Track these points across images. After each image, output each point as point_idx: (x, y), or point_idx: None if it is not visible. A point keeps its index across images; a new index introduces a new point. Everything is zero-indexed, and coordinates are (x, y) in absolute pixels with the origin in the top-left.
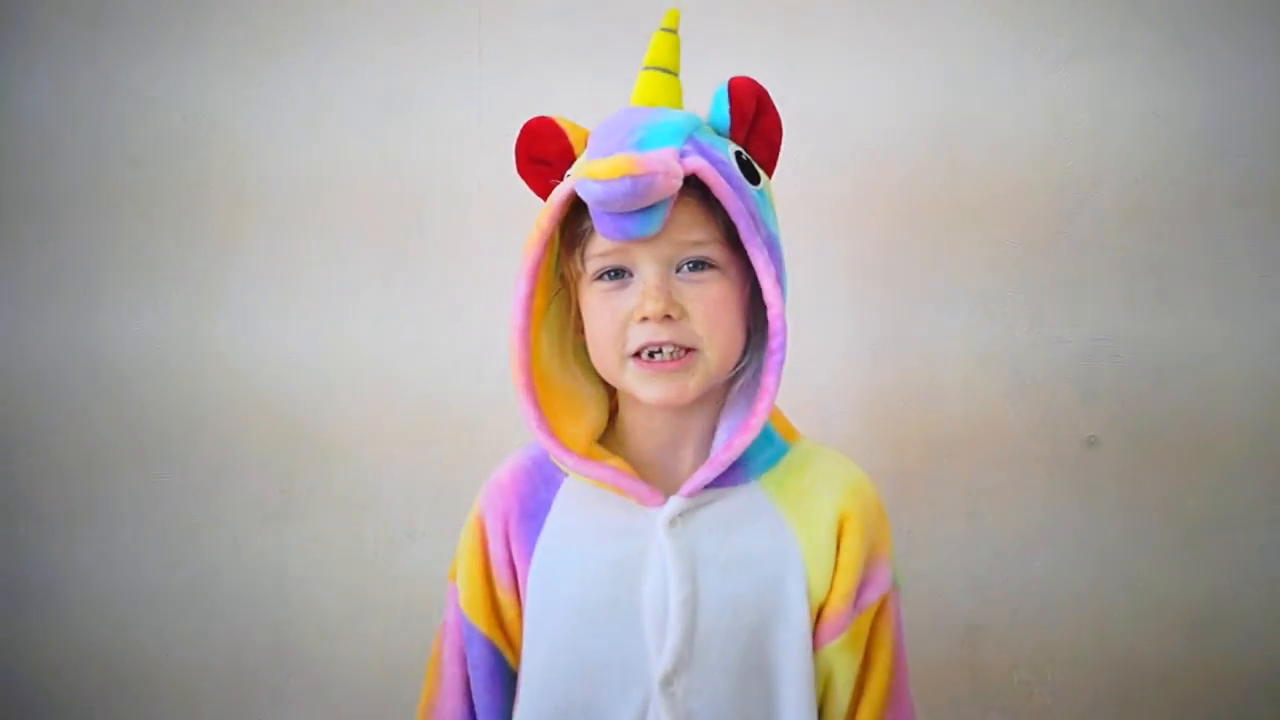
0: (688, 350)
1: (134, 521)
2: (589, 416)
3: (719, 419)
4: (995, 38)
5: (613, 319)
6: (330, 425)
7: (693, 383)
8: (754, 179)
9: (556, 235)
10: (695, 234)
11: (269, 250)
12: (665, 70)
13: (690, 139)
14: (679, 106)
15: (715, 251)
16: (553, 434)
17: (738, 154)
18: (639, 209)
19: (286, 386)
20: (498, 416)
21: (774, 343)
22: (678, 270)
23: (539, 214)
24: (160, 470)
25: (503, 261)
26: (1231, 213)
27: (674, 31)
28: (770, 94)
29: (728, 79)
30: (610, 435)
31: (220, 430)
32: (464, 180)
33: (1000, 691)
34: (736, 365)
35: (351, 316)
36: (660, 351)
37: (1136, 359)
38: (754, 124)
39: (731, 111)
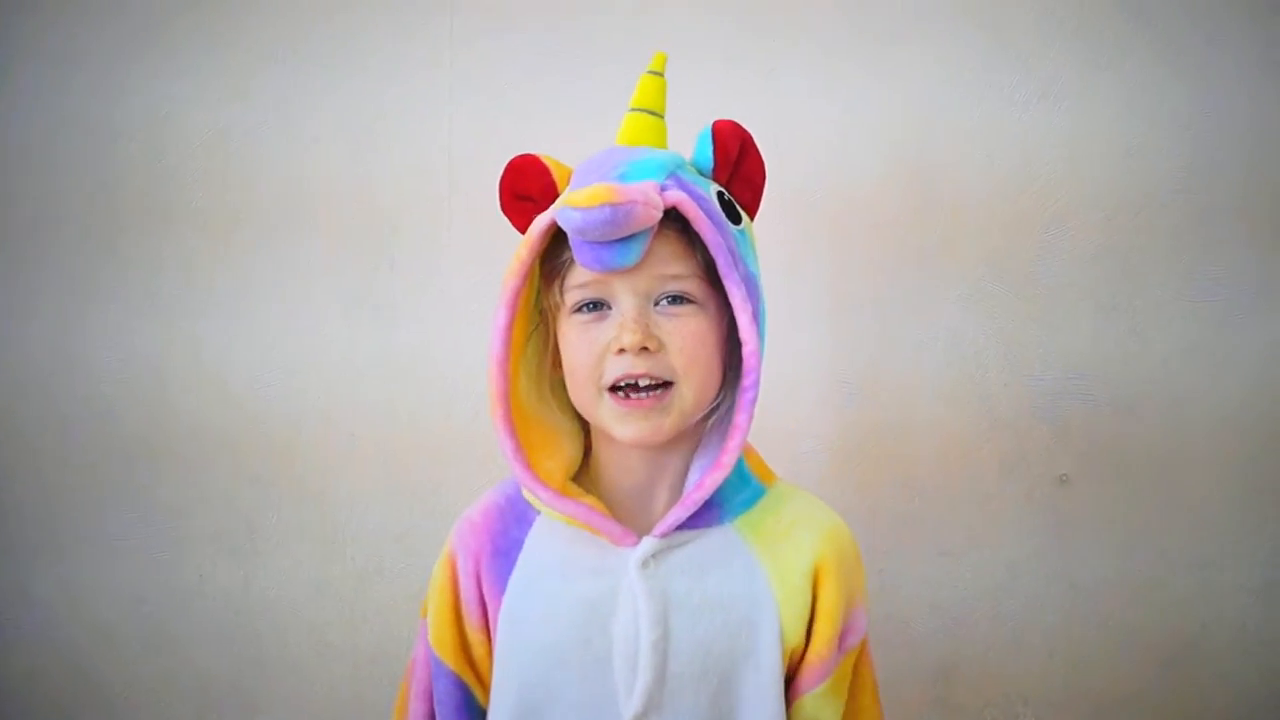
0: (665, 385)
1: (96, 557)
2: (565, 452)
3: (693, 458)
4: (966, 77)
5: (589, 351)
6: (297, 461)
7: (668, 422)
8: (735, 219)
9: (536, 268)
10: (674, 268)
11: (234, 284)
12: (651, 112)
13: (672, 175)
14: (664, 147)
15: (694, 286)
16: (529, 467)
17: (719, 193)
18: (618, 239)
19: (253, 421)
20: (466, 453)
21: (747, 380)
22: (656, 304)
23: (518, 245)
24: (123, 504)
25: (473, 298)
26: (1202, 250)
27: (660, 74)
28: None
29: (710, 121)
30: (584, 473)
31: (185, 465)
32: (434, 214)
33: None
34: (712, 402)
35: (319, 351)
36: (637, 386)
37: (1108, 397)
38: (737, 166)
39: (715, 153)
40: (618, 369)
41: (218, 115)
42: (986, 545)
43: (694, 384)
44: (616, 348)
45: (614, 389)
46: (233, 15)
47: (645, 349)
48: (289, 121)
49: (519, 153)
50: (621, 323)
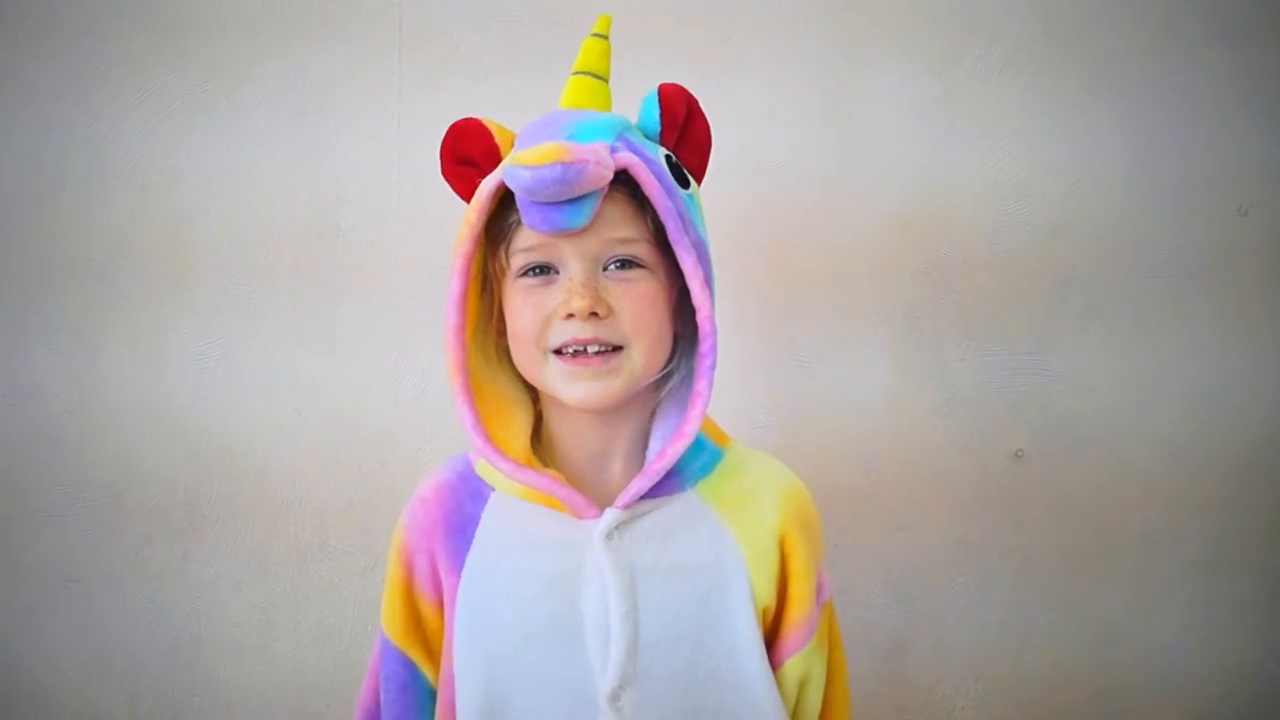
0: (615, 349)
1: (26, 533)
2: (519, 422)
3: (651, 427)
4: (924, 48)
5: (535, 316)
6: (238, 435)
7: (616, 384)
8: (684, 183)
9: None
10: (624, 231)
11: (172, 256)
12: (594, 75)
13: (621, 137)
14: (608, 111)
15: (644, 250)
16: (489, 440)
17: (667, 157)
18: (568, 200)
19: (190, 394)
20: (413, 426)
21: (704, 346)
22: (605, 269)
23: (467, 209)
24: (55, 480)
25: (422, 266)
26: (1159, 226)
27: (605, 37)
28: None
29: (656, 86)
30: (537, 445)
31: (121, 440)
32: (381, 187)
33: (924, 707)
34: (664, 369)
35: (260, 325)
36: (584, 350)
37: (1064, 372)
38: (684, 130)
39: (662, 116)
40: (565, 334)
41: (152, 78)
42: (941, 521)
43: (644, 349)
44: (565, 313)
45: (559, 351)
46: None
47: (594, 314)
48: (227, 85)
49: (472, 115)
50: (569, 287)
